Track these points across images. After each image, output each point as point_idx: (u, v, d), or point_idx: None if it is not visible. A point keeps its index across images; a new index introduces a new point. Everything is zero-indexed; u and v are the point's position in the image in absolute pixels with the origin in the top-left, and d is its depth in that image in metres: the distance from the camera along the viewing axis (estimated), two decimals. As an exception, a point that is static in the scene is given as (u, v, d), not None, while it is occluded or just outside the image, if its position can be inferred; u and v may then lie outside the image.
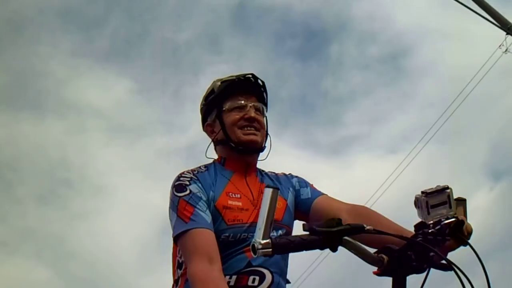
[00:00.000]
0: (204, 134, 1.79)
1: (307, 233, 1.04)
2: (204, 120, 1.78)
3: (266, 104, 1.76)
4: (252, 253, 0.99)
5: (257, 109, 1.68)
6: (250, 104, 1.67)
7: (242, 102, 1.67)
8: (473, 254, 1.15)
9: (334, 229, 1.02)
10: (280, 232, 1.55)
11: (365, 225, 1.07)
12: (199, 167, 1.66)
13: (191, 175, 1.58)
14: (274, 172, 1.79)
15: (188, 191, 1.51)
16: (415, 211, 1.19)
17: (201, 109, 1.79)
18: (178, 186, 1.54)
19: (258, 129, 1.66)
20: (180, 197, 1.50)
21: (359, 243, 1.10)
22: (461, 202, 1.34)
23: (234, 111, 1.66)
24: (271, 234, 1.48)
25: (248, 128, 1.64)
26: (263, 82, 1.74)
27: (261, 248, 0.97)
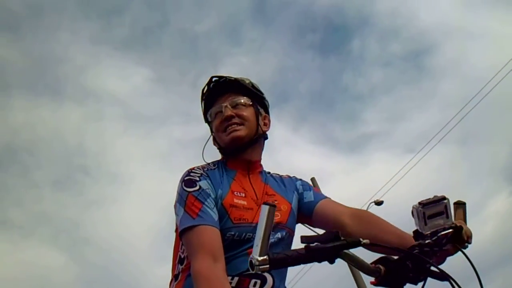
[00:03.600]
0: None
1: (305, 245, 1.06)
2: None
3: (250, 93, 1.73)
4: (250, 269, 1.01)
5: (234, 105, 1.69)
6: (224, 104, 1.68)
7: (217, 106, 1.70)
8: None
9: (328, 245, 1.04)
10: (283, 233, 1.57)
11: (361, 239, 1.08)
12: (208, 164, 1.68)
13: (202, 171, 1.59)
14: (278, 174, 1.81)
15: (197, 187, 1.52)
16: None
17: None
18: (188, 181, 1.55)
19: (240, 123, 1.66)
20: (189, 192, 1.51)
21: (356, 255, 1.12)
22: (461, 205, 1.35)
23: (216, 118, 1.70)
24: (276, 235, 1.54)
25: (229, 128, 1.65)
26: (226, 77, 1.72)
27: (259, 265, 1.00)
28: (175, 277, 1.57)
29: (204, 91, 1.74)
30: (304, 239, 1.09)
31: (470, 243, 1.30)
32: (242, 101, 1.71)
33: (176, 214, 1.53)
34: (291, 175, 1.83)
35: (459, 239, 1.23)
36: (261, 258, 1.00)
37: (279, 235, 1.56)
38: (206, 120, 1.79)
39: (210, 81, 1.73)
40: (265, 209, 1.03)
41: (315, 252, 1.03)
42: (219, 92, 1.72)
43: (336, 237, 1.08)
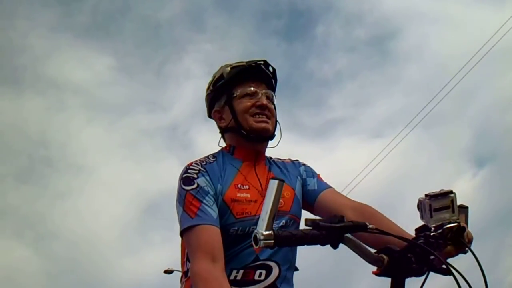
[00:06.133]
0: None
1: (310, 228, 1.04)
2: (211, 107, 1.74)
3: (275, 92, 1.74)
4: (253, 244, 0.98)
5: (268, 97, 1.67)
6: (262, 91, 1.65)
7: (253, 89, 1.65)
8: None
9: (336, 225, 1.02)
10: (286, 220, 1.54)
11: (367, 224, 1.06)
12: (207, 157, 1.64)
13: (199, 167, 1.56)
14: (280, 159, 1.77)
15: (195, 185, 1.49)
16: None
17: (208, 95, 1.75)
18: (186, 179, 1.52)
19: (269, 117, 1.64)
20: (187, 190, 1.49)
21: (360, 241, 1.10)
22: (463, 209, 1.34)
23: (245, 98, 1.64)
24: (279, 223, 1.50)
25: (260, 116, 1.62)
26: (274, 69, 1.72)
27: (263, 239, 0.97)
28: (184, 273, 1.55)
29: (247, 64, 1.67)
30: (309, 221, 1.06)
31: (469, 247, 1.28)
32: (275, 97, 1.71)
33: (177, 213, 1.51)
34: (294, 159, 1.79)
35: (459, 241, 1.22)
36: (266, 232, 0.97)
37: (283, 222, 1.53)
38: (220, 91, 1.69)
39: (259, 60, 1.68)
40: (273, 183, 1.01)
41: (321, 231, 1.01)
42: (254, 76, 1.67)
43: (341, 221, 1.06)
